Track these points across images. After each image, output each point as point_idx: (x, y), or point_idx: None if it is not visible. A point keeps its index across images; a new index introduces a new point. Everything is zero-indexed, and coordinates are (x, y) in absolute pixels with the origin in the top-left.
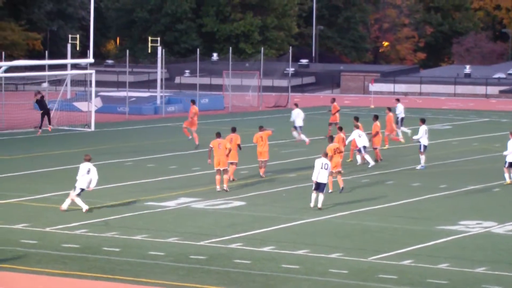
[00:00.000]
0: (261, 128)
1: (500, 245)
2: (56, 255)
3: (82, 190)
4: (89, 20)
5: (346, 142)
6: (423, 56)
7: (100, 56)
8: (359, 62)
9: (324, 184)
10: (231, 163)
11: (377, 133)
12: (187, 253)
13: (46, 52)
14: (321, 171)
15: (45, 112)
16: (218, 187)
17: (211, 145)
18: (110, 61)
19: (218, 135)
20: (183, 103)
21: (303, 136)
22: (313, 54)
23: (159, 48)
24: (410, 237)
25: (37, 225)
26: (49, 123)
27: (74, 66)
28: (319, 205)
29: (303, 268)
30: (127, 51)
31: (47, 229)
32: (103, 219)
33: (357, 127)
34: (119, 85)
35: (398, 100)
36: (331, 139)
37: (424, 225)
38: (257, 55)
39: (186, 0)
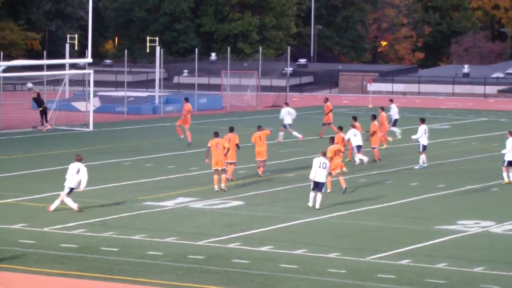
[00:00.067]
0: (259, 128)
1: (498, 244)
2: (54, 255)
3: (72, 189)
4: (88, 20)
5: (346, 141)
6: (421, 55)
7: (98, 56)
8: (357, 61)
9: (323, 184)
10: (230, 163)
11: (374, 132)
12: (185, 253)
13: (45, 52)
14: (319, 170)
15: (44, 109)
16: (216, 186)
17: (209, 145)
18: (108, 61)
19: (216, 134)
20: (182, 103)
21: (295, 133)
22: (312, 54)
23: (158, 48)
24: (409, 236)
25: (35, 225)
26: (46, 122)
27: (73, 66)
28: (317, 206)
29: (302, 268)
30: (126, 50)
31: (45, 229)
32: (101, 219)
33: (353, 126)
34: (118, 85)
35: (391, 100)
36: (332, 140)
37: (422, 225)
38: (255, 55)
39: (184, 0)
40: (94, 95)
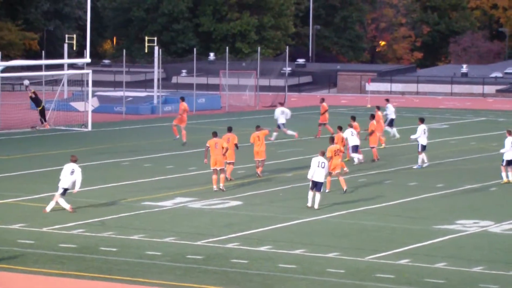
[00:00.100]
0: (258, 128)
1: (497, 244)
2: (53, 255)
3: (66, 190)
4: (86, 20)
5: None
6: (420, 55)
7: (97, 56)
8: (356, 61)
9: (321, 183)
10: (229, 163)
11: (372, 131)
12: (184, 253)
13: (43, 52)
14: (317, 170)
15: (43, 108)
16: (214, 186)
17: (207, 145)
18: (107, 61)
19: (215, 134)
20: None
21: (289, 132)
22: (310, 54)
23: (156, 48)
24: (407, 236)
25: (34, 225)
26: (45, 121)
27: (71, 66)
28: (316, 206)
29: (300, 268)
30: (124, 50)
31: (44, 229)
32: (100, 219)
33: (350, 126)
34: (116, 85)
35: (387, 100)
36: (332, 140)
37: (421, 225)
38: (254, 55)
39: (183, 0)
40: (93, 95)
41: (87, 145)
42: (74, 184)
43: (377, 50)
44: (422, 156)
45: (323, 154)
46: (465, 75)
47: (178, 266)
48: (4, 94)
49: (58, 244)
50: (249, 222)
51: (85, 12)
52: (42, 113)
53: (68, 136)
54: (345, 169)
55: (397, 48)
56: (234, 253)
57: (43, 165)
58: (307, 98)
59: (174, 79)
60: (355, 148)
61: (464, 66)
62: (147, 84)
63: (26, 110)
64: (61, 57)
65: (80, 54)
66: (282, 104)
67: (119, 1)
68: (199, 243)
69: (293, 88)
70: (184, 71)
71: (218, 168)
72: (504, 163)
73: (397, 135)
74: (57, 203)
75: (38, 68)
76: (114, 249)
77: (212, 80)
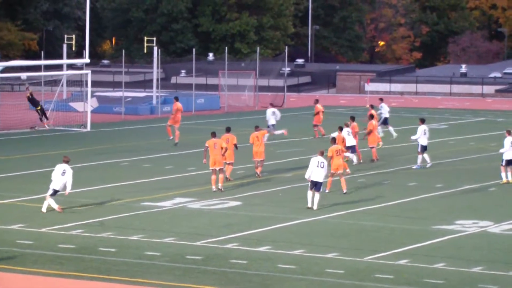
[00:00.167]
0: (257, 128)
1: (496, 244)
2: (52, 255)
3: (56, 191)
4: (85, 20)
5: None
6: (419, 55)
7: (96, 56)
8: (355, 61)
9: (321, 183)
10: (228, 163)
11: (370, 131)
12: (183, 253)
13: (42, 52)
14: (317, 170)
15: (42, 108)
16: (214, 187)
17: (206, 145)
18: (106, 61)
19: (213, 134)
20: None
21: (277, 132)
22: (309, 54)
23: (155, 48)
24: (407, 236)
25: (33, 226)
26: (41, 120)
27: (70, 66)
28: (315, 207)
29: (300, 268)
30: (123, 51)
31: (43, 229)
32: (99, 219)
33: (347, 126)
34: (115, 85)
35: (381, 100)
36: (334, 140)
37: (420, 225)
38: (253, 55)
39: (182, 0)
40: (92, 96)
41: (86, 146)
42: (65, 185)
43: (376, 50)
44: (422, 157)
45: (322, 153)
46: (464, 75)
47: (177, 267)
48: (3, 94)
49: (57, 244)
50: (248, 223)
51: (84, 13)
52: (42, 112)
53: (67, 137)
54: (347, 170)
55: (396, 48)
56: (233, 253)
57: (42, 166)
58: (306, 99)
59: (173, 79)
60: (351, 148)
61: (463, 66)
62: (146, 84)
63: (25, 111)
64: (60, 57)
65: (79, 55)
66: (273, 105)
67: (118, 1)
68: (198, 243)
69: (292, 88)
70: (183, 71)
71: (217, 168)
72: (504, 163)
73: (395, 134)
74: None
75: (37, 68)
76: (113, 250)
77: (211, 80)
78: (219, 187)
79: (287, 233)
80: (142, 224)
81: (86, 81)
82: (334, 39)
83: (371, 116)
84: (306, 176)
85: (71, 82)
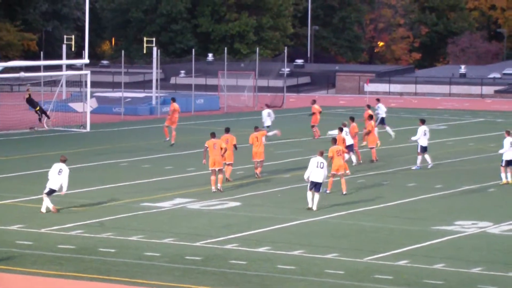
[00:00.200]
0: (256, 129)
1: (496, 245)
2: (52, 256)
3: (53, 191)
4: (84, 21)
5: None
6: (418, 56)
7: (95, 57)
8: (354, 62)
9: (320, 184)
10: (228, 164)
11: (369, 132)
12: (182, 254)
13: (41, 52)
14: (316, 170)
15: (40, 108)
16: (213, 187)
17: (206, 145)
18: (105, 62)
19: (213, 135)
20: (179, 104)
21: (270, 133)
22: (309, 54)
23: (155, 49)
24: (406, 237)
25: (32, 226)
26: (40, 121)
27: (69, 67)
28: (314, 207)
29: (299, 269)
30: (122, 51)
31: (43, 230)
32: (99, 220)
33: (345, 126)
34: (115, 85)
35: (378, 100)
36: (334, 141)
37: (419, 226)
38: (252, 55)
39: (181, 0)
40: (91, 96)
41: (85, 146)
42: (61, 185)
43: (375, 51)
44: (422, 157)
45: (321, 154)
46: (463, 75)
47: (177, 267)
48: (2, 95)
49: (56, 245)
50: (248, 223)
51: (84, 13)
52: (42, 111)
53: (66, 137)
54: (347, 171)
55: (395, 49)
56: (232, 254)
57: (41, 166)
58: (305, 99)
59: (172, 80)
60: (349, 147)
61: (463, 66)
62: (145, 84)
63: (24, 111)
64: (60, 58)
65: (79, 55)
66: (268, 106)
67: (117, 2)
68: (197, 244)
69: (292, 88)
70: (182, 71)
71: (216, 169)
72: (504, 164)
73: (392, 133)
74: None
75: (36, 69)
76: (113, 250)
77: (211, 81)
78: (219, 187)
79: (287, 233)
80: (142, 224)
81: (86, 82)
82: (334, 39)
83: (371, 117)
84: (305, 177)
85: (70, 83)
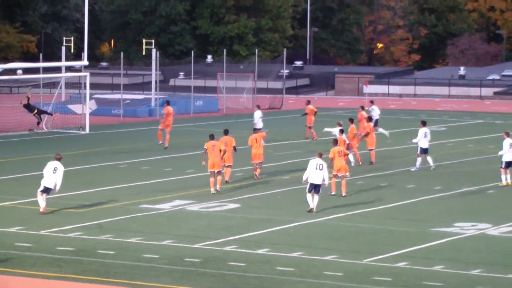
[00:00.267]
0: (255, 130)
1: (495, 247)
2: (51, 258)
3: (47, 189)
4: (84, 23)
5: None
6: (417, 57)
7: (94, 59)
8: (353, 63)
9: (320, 185)
10: (227, 166)
11: (367, 133)
12: (181, 256)
13: (41, 54)
14: (315, 172)
15: (39, 111)
16: (212, 189)
17: (205, 147)
18: (104, 64)
19: (212, 137)
20: (178, 106)
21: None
22: (308, 56)
23: (154, 50)
24: (405, 239)
25: (31, 228)
26: (38, 124)
27: (69, 69)
28: (314, 209)
29: (298, 271)
30: (122, 53)
31: (42, 232)
32: (98, 221)
33: (340, 125)
34: (114, 87)
35: (372, 102)
36: (335, 142)
37: (419, 227)
38: (251, 57)
39: (180, 2)
40: (90, 98)
41: (84, 148)
42: (56, 183)
43: (374, 53)
44: (422, 159)
45: (320, 155)
46: (462, 77)
47: (176, 269)
48: (1, 96)
49: (55, 247)
50: (247, 225)
51: (83, 15)
52: (40, 113)
53: (65, 139)
54: (347, 173)
55: (394, 51)
56: (231, 256)
57: (40, 168)
58: (304, 101)
59: (171, 82)
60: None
61: (462, 68)
62: (144, 86)
63: (23, 113)
64: (59, 59)
65: (78, 57)
66: (259, 107)
67: (116, 3)
68: (196, 246)
69: (291, 90)
70: (181, 73)
71: (215, 171)
72: (503, 165)
73: (386, 132)
74: (47, 200)
75: (36, 70)
76: (112, 252)
77: (210, 83)
78: (217, 188)
79: (286, 235)
80: (141, 226)
81: (85, 83)
82: (333, 41)
83: (370, 118)
84: (304, 178)
85: (69, 84)
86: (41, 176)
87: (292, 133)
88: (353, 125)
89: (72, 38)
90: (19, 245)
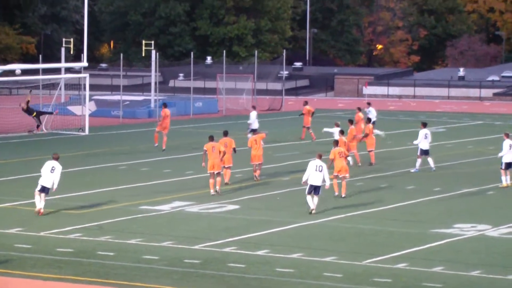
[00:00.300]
0: (255, 132)
1: (494, 248)
2: (51, 259)
3: (45, 188)
4: (83, 24)
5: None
6: (417, 59)
7: (94, 60)
8: (353, 65)
9: (319, 187)
10: (226, 167)
11: (367, 135)
12: (181, 257)
13: (40, 56)
14: (315, 174)
15: (37, 114)
16: (212, 190)
17: (205, 148)
18: (104, 65)
19: (211, 138)
20: (177, 107)
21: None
22: (307, 57)
23: (153, 52)
24: (405, 240)
25: (31, 230)
26: (38, 127)
27: (68, 70)
28: (314, 210)
29: (298, 272)
30: (121, 54)
31: (42, 233)
32: (97, 223)
33: (337, 125)
34: (113, 88)
35: (369, 104)
36: (336, 143)
37: (418, 228)
38: (251, 58)
39: (180, 3)
40: (90, 99)
41: (84, 149)
42: (53, 182)
43: (374, 54)
44: (422, 160)
45: (320, 157)
46: (462, 78)
47: (175, 270)
48: (1, 98)
49: (55, 248)
50: (247, 226)
51: (82, 16)
52: (40, 114)
53: (65, 140)
54: (347, 175)
55: (394, 52)
56: (231, 257)
57: (40, 169)
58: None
59: (171, 83)
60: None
61: (461, 69)
62: (144, 88)
63: (23, 114)
64: (58, 61)
65: (77, 58)
66: (255, 108)
67: (116, 5)
68: (196, 247)
69: (290, 91)
70: (181, 74)
71: (215, 172)
72: (503, 166)
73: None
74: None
75: (35, 72)
76: (111, 253)
77: (209, 84)
78: (217, 189)
79: (285, 236)
80: (140, 227)
81: (84, 85)
82: (332, 42)
83: (369, 120)
84: (303, 179)
85: (69, 86)
86: (39, 178)
87: (291, 134)
88: (352, 127)
89: (72, 40)
90: (19, 247)
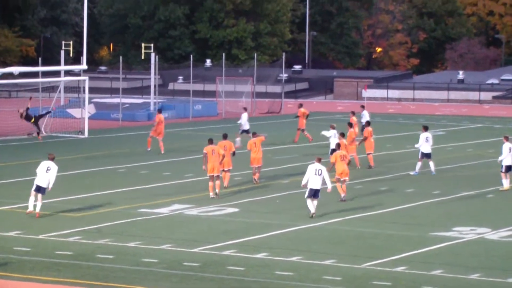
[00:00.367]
0: (254, 134)
1: (494, 251)
2: (50, 262)
3: (40, 188)
4: (83, 27)
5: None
6: (416, 61)
7: (93, 63)
8: (352, 68)
9: (319, 191)
10: (226, 171)
11: (365, 138)
12: (180, 260)
13: (40, 58)
14: (314, 177)
15: (35, 120)
16: (211, 193)
17: (205, 151)
18: (103, 68)
19: (211, 141)
20: (176, 110)
21: (239, 139)
22: (306, 60)
23: (153, 55)
24: (404, 243)
25: (30, 232)
26: (38, 134)
27: (68, 73)
28: (314, 215)
29: (297, 275)
30: (121, 57)
31: (40, 236)
32: (96, 226)
33: (333, 128)
34: (113, 91)
35: (363, 107)
36: (338, 146)
37: (418, 231)
38: (250, 61)
39: (179, 6)
40: (89, 102)
41: (83, 152)
42: (49, 182)
43: (373, 57)
44: (423, 164)
45: (319, 160)
46: (461, 81)
47: (175, 273)
48: (0, 101)
49: (54, 251)
50: (246, 229)
51: (82, 19)
52: (38, 118)
53: (64, 143)
54: (346, 178)
55: (393, 55)
56: (230, 260)
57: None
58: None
59: (170, 86)
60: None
61: (461, 72)
62: (143, 90)
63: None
64: (58, 63)
65: (77, 61)
66: (246, 109)
67: (115, 8)
68: (195, 250)
69: (290, 94)
70: (180, 77)
71: (215, 175)
72: (503, 169)
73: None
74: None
75: (35, 74)
76: (111, 256)
77: (209, 87)
78: (216, 191)
79: (285, 239)
80: (140, 230)
81: (84, 88)
82: (331, 45)
83: (368, 123)
84: (303, 183)
85: (68, 89)
86: None
87: (291, 137)
88: (351, 130)
89: (71, 42)
90: (18, 250)
